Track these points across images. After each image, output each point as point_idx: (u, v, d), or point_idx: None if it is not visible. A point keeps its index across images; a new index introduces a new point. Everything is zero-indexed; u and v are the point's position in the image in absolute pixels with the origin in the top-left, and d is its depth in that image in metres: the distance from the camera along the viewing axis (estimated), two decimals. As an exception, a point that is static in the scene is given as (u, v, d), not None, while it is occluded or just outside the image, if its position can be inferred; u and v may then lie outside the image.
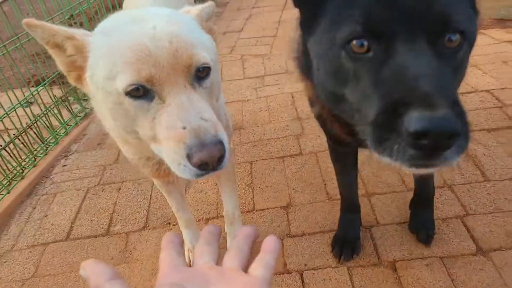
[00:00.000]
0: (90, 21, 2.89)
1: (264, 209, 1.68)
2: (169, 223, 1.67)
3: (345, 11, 0.64)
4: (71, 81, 0.79)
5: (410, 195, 1.51)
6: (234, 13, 4.02)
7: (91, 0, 2.74)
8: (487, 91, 2.19)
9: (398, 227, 1.51)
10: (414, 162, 0.57)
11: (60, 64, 0.78)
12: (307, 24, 0.76)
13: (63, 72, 0.79)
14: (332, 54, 0.66)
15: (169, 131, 0.67)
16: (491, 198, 1.55)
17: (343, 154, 1.33)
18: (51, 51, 0.76)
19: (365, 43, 0.62)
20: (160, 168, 1.00)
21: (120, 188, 1.90)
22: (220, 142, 0.68)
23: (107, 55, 0.69)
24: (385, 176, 1.75)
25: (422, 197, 1.45)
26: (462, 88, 2.24)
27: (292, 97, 2.46)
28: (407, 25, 0.60)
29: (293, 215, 1.63)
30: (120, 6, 1.84)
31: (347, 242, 1.43)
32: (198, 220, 1.66)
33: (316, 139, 2.05)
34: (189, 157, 0.66)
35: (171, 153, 0.68)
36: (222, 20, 3.87)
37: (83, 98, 2.63)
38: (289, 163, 1.93)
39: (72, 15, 2.61)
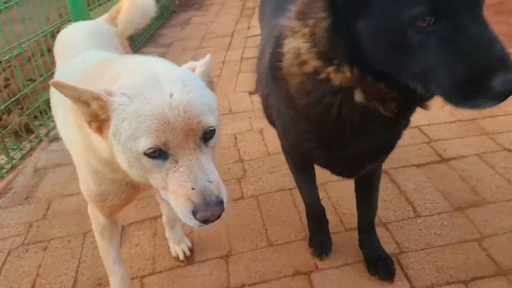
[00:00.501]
0: (22, 67, 2.76)
1: (202, 261, 1.61)
2: (100, 284, 1.55)
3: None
4: (92, 129, 0.87)
5: (350, 235, 1.52)
6: (179, 53, 4.05)
7: (23, 45, 2.63)
8: (417, 127, 2.33)
9: (337, 271, 1.51)
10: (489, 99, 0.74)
11: (84, 115, 0.86)
12: (353, 9, 0.82)
13: (85, 121, 0.87)
14: (398, 31, 0.76)
15: (180, 189, 0.81)
16: (422, 234, 1.61)
17: (304, 166, 1.45)
18: (76, 105, 0.85)
19: (433, 19, 0.74)
20: (132, 192, 1.12)
21: (46, 248, 1.74)
22: (221, 202, 0.82)
23: (131, 119, 0.79)
24: (324, 217, 1.76)
25: (367, 220, 1.51)
26: (393, 125, 2.37)
27: (235, 138, 2.46)
28: (464, 2, 0.74)
29: (233, 265, 1.58)
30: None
31: (322, 241, 1.58)
32: (132, 278, 1.56)
33: (258, 181, 2.05)
34: (194, 213, 0.80)
35: (181, 206, 0.82)
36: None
37: (11, 147, 2.46)
38: (230, 209, 1.89)
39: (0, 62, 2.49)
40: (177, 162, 0.82)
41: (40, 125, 2.76)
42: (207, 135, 0.85)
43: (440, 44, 0.75)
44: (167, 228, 1.66)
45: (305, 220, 1.75)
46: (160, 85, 0.82)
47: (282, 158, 2.18)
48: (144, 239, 1.76)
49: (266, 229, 1.75)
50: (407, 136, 2.25)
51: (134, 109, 0.80)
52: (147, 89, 0.81)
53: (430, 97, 0.88)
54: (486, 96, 0.73)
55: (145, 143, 0.78)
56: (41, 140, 2.61)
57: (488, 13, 2.64)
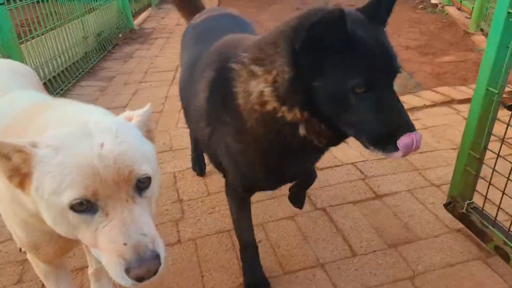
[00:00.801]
0: None
1: (131, 317, 1.48)
2: None
3: (348, 67, 1.02)
4: (14, 185, 0.80)
5: (289, 279, 1.48)
6: (120, 88, 3.93)
7: None
8: (352, 163, 2.41)
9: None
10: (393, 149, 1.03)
11: (3, 170, 0.78)
12: (311, 71, 1.07)
13: (5, 176, 0.79)
14: (342, 94, 1.04)
15: (111, 245, 0.75)
16: (358, 274, 1.61)
17: (247, 201, 1.59)
18: None
19: (365, 88, 1.03)
20: (68, 243, 1.03)
21: None
22: (157, 256, 0.76)
23: (55, 172, 0.74)
24: (263, 260, 1.72)
25: (305, 186, 1.84)
26: (331, 161, 2.44)
27: (175, 177, 2.37)
28: (386, 77, 1.06)
29: (165, 319, 1.47)
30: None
31: (260, 284, 1.59)
32: None
33: (196, 223, 1.97)
34: (127, 271, 0.74)
35: (112, 265, 0.75)
36: (107, 95, 3.74)
37: None
38: (165, 254, 1.79)
39: None
40: (107, 215, 0.76)
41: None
42: (142, 185, 0.81)
43: (368, 106, 1.04)
44: (93, 281, 1.53)
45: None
46: (90, 136, 0.78)
47: (222, 197, 2.15)
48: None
49: (202, 275, 1.67)
50: (344, 173, 2.31)
51: (59, 162, 0.74)
52: (75, 140, 0.77)
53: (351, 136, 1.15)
54: (394, 147, 1.02)
55: (70, 194, 0.73)
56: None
57: (414, 54, 2.88)
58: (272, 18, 6.93)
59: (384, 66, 1.06)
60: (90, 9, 4.93)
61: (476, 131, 1.52)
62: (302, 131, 1.15)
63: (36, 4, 3.63)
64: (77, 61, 4.22)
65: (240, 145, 1.31)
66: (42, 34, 3.60)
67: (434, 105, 3.19)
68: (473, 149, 1.56)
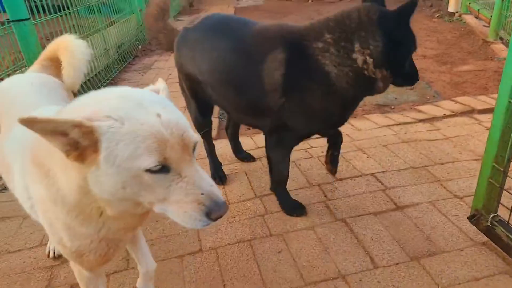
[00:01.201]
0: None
1: (156, 325, 1.51)
2: None
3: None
4: (71, 159, 0.86)
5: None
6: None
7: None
8: (372, 174, 2.40)
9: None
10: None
11: (60, 146, 0.84)
12: (397, 42, 1.63)
13: (62, 151, 0.85)
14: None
15: (188, 197, 0.88)
16: (381, 287, 1.60)
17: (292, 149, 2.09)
18: (50, 139, 0.83)
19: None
20: (109, 250, 1.13)
21: (-21, 317, 1.57)
22: (224, 201, 0.92)
23: (128, 140, 0.82)
24: (284, 271, 1.73)
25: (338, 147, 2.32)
26: (350, 172, 2.43)
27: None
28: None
29: (188, 328, 1.49)
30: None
31: (298, 207, 2.14)
32: None
33: (217, 232, 1.99)
34: (209, 214, 0.89)
35: (190, 213, 0.89)
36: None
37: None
38: (187, 263, 1.81)
39: None
40: (179, 174, 0.89)
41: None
42: (194, 148, 0.94)
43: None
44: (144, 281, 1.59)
45: (264, 274, 1.71)
46: (143, 107, 0.87)
47: (242, 206, 2.18)
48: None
49: (224, 284, 1.68)
50: (363, 184, 2.31)
51: (129, 131, 0.83)
52: (134, 111, 0.85)
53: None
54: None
55: (149, 161, 0.83)
56: (-16, 191, 2.43)
57: (432, 64, 2.88)
58: (287, 28, 7.00)
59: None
60: (111, 22, 5.08)
61: (499, 144, 1.50)
62: (380, 84, 1.68)
63: (60, 18, 3.77)
64: (99, 72, 4.33)
65: (324, 103, 1.76)
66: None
67: (455, 115, 3.16)
68: (497, 161, 1.55)
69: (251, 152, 2.77)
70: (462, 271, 1.65)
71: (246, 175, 2.50)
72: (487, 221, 1.67)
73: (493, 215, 1.64)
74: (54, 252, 1.86)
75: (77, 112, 0.86)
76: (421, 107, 3.32)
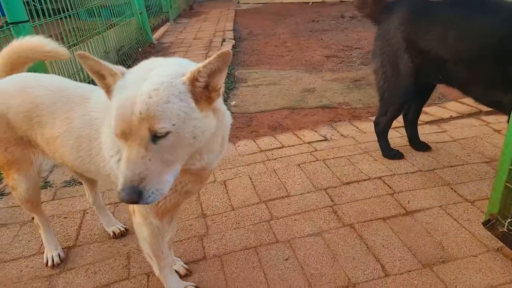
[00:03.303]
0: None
1: (158, 338, 1.44)
2: None
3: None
4: (107, 96, 1.04)
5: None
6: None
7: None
8: (379, 177, 2.34)
9: None
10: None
11: (100, 85, 1.06)
12: None
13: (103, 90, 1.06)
14: None
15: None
16: (393, 296, 1.54)
17: None
18: (94, 77, 1.04)
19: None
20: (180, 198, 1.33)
21: (-26, 330, 1.50)
22: (138, 192, 0.94)
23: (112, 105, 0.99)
24: (292, 279, 1.66)
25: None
26: (357, 175, 2.37)
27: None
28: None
29: None
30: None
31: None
32: None
33: (221, 239, 1.93)
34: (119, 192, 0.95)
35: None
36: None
37: None
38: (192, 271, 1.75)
39: None
40: (122, 150, 1.00)
41: (-18, 179, 2.52)
42: (159, 135, 0.96)
43: None
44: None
45: (271, 282, 1.64)
46: (140, 84, 0.97)
47: (246, 212, 2.11)
48: None
49: (230, 294, 1.62)
50: (371, 188, 2.24)
51: (115, 98, 0.99)
52: (132, 84, 1.00)
53: None
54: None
55: (111, 123, 0.98)
56: (-19, 197, 2.37)
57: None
58: (288, 30, 6.96)
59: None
60: (111, 25, 5.03)
61: (518, 146, 1.44)
62: None
63: (59, 20, 3.72)
64: (99, 75, 4.27)
65: None
66: (66, 50, 3.66)
67: (462, 116, 3.10)
68: (515, 164, 1.49)
69: (254, 156, 2.71)
70: (477, 278, 1.58)
71: (250, 179, 2.43)
72: (504, 227, 1.61)
73: (509, 220, 1.58)
74: (52, 261, 1.80)
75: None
76: (427, 109, 3.26)
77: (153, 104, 0.92)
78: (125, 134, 0.94)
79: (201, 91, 1.00)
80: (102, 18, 4.82)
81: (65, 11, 3.82)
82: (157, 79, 0.96)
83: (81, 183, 2.50)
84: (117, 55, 4.95)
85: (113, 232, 1.98)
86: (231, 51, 0.97)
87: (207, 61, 0.97)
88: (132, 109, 0.92)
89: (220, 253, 1.83)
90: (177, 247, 1.89)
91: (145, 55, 5.60)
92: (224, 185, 2.39)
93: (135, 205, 1.30)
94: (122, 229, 2.00)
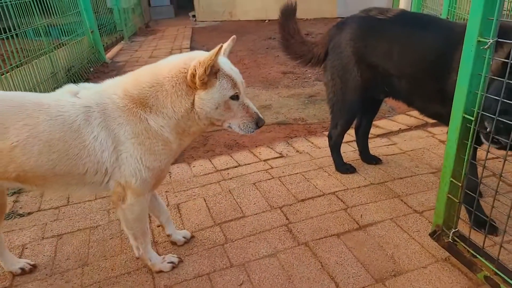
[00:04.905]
0: None
1: None
2: None
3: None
4: (199, 85, 1.46)
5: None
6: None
7: None
8: (333, 193, 2.36)
9: None
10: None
11: (204, 75, 1.44)
12: None
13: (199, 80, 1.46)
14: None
15: (247, 113, 1.53)
16: (347, 315, 1.52)
17: None
18: (205, 71, 1.42)
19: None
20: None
21: None
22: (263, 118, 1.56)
23: (228, 78, 1.48)
24: None
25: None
26: (311, 191, 2.38)
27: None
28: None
29: None
30: None
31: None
32: None
33: (173, 268, 1.84)
34: (257, 123, 1.54)
35: (246, 123, 1.54)
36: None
37: None
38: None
39: None
40: (243, 102, 1.52)
41: None
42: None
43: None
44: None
45: None
46: (229, 63, 1.54)
47: (200, 236, 2.04)
48: None
49: (181, 327, 1.53)
50: (325, 204, 2.25)
51: (229, 74, 1.47)
52: (227, 65, 1.51)
53: None
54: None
55: (233, 92, 1.47)
56: None
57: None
58: (245, 48, 7.02)
59: None
60: (60, 44, 4.84)
61: (455, 159, 1.50)
62: None
63: (5, 40, 3.52)
64: (45, 97, 4.07)
65: None
66: (7, 72, 3.46)
67: (410, 128, 3.22)
68: (455, 176, 1.54)
69: (209, 176, 2.65)
70: (427, 290, 1.61)
71: (205, 201, 2.37)
72: (448, 237, 1.65)
73: (453, 230, 1.62)
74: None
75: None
76: (378, 122, 3.36)
77: (238, 71, 1.56)
78: (239, 92, 1.49)
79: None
80: (52, 37, 4.63)
81: (10, 30, 3.62)
82: (226, 60, 1.55)
83: (21, 215, 2.32)
84: (66, 75, 4.75)
85: (22, 269, 1.83)
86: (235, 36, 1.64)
87: (226, 44, 1.58)
88: (238, 76, 1.50)
89: (172, 283, 1.75)
90: (125, 280, 1.78)
91: (97, 75, 5.43)
92: (178, 209, 2.31)
93: (131, 187, 1.54)
94: (31, 265, 1.86)
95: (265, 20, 9.74)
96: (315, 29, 8.13)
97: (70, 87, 1.56)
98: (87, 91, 1.54)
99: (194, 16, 10.64)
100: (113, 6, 7.58)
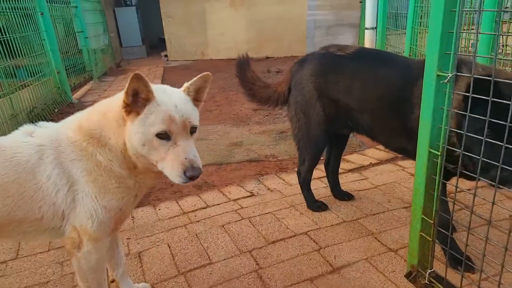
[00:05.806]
0: None
1: None
2: None
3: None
4: (124, 112, 1.31)
5: None
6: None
7: None
8: (305, 233, 2.25)
9: None
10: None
11: (128, 100, 1.28)
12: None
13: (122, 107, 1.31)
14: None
15: (177, 158, 1.28)
16: None
17: None
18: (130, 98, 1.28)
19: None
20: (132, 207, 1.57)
21: None
22: (200, 169, 1.30)
23: (156, 113, 1.27)
24: None
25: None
26: (282, 232, 2.26)
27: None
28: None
29: None
30: None
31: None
32: None
33: (131, 326, 1.65)
34: (185, 173, 1.27)
35: (175, 170, 1.28)
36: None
37: None
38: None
39: None
40: (175, 143, 1.29)
41: None
42: (193, 130, 1.33)
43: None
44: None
45: None
46: (170, 98, 1.31)
47: (161, 286, 1.87)
48: None
49: None
50: (297, 245, 2.14)
51: (159, 109, 1.27)
52: (165, 99, 1.30)
53: None
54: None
55: (159, 128, 1.26)
56: None
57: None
58: (217, 85, 7.05)
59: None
60: (23, 85, 4.67)
61: (425, 195, 1.44)
62: None
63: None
64: (2, 140, 3.85)
65: None
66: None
67: (381, 162, 3.21)
68: (426, 213, 1.48)
69: (175, 220, 2.50)
70: None
71: (169, 247, 2.20)
72: (425, 278, 1.56)
73: (429, 271, 1.54)
74: None
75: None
76: (348, 157, 3.34)
77: (187, 109, 1.33)
78: (171, 131, 1.27)
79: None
80: (17, 78, 4.47)
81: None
82: (177, 93, 1.37)
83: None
84: (28, 116, 4.55)
85: None
86: (210, 73, 1.42)
87: (192, 80, 1.39)
88: (176, 114, 1.27)
89: None
90: None
91: (62, 115, 5.23)
92: (139, 257, 2.12)
93: (87, 232, 1.40)
94: None
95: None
96: (285, 66, 8.31)
97: (26, 127, 1.46)
98: (44, 129, 1.44)
99: (166, 56, 10.70)
100: (82, 47, 7.51)
